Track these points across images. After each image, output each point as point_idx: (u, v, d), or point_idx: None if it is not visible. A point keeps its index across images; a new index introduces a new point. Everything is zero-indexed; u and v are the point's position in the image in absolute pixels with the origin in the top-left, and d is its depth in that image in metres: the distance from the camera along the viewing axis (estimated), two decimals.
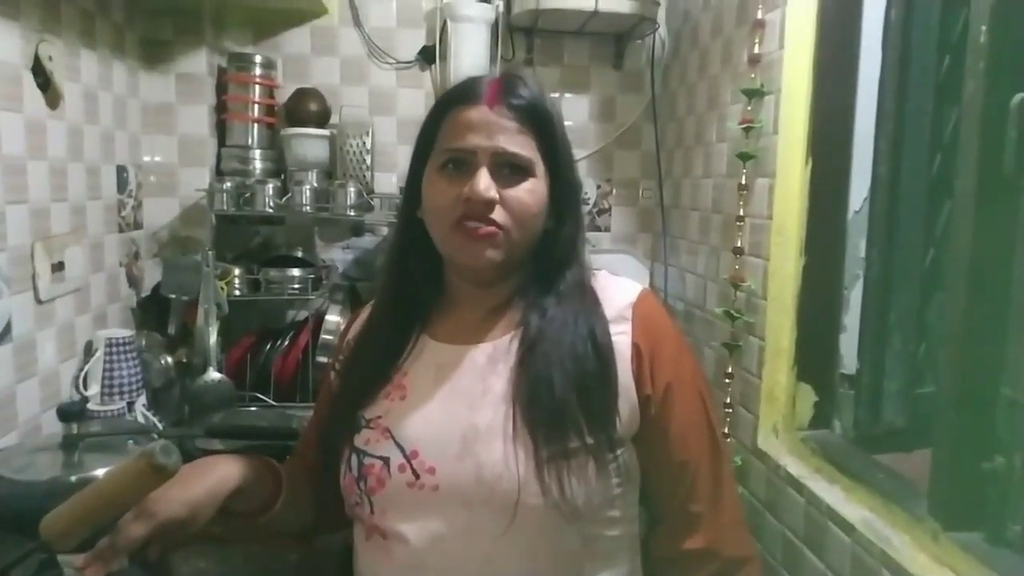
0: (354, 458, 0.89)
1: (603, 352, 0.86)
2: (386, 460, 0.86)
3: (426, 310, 0.96)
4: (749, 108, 1.48)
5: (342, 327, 1.90)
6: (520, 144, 0.86)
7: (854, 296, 1.36)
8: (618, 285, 0.94)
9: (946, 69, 1.23)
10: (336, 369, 1.04)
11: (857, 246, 1.36)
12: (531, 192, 0.87)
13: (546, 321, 0.88)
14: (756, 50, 1.46)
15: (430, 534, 0.84)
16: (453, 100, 0.90)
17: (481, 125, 0.86)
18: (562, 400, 0.83)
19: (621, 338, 0.88)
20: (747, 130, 1.47)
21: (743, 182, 1.50)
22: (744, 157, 1.48)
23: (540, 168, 0.88)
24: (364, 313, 1.05)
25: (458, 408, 0.86)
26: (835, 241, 1.36)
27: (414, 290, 0.96)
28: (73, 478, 1.07)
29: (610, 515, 0.88)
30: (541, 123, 0.88)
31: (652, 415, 0.88)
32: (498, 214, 0.85)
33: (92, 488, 0.76)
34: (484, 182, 0.84)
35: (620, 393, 0.86)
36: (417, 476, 0.84)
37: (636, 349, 0.88)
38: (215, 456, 0.90)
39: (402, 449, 0.86)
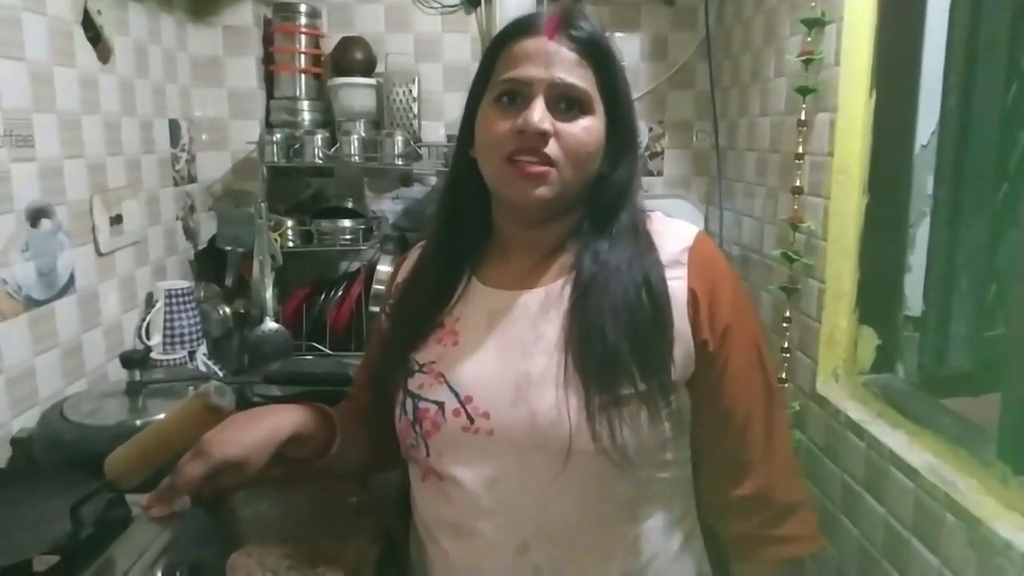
0: (409, 402, 0.90)
1: (657, 298, 0.84)
2: (441, 405, 0.87)
3: (476, 253, 0.95)
4: (809, 39, 1.41)
5: (402, 262, 1.91)
6: (579, 76, 0.84)
7: (920, 235, 1.30)
8: (673, 228, 0.91)
9: None
10: (386, 312, 1.03)
11: (924, 182, 1.29)
12: (588, 130, 0.84)
13: (598, 266, 0.86)
14: None
15: (485, 477, 0.85)
16: (511, 33, 0.88)
17: (539, 55, 0.83)
18: (614, 347, 0.81)
19: (677, 283, 0.86)
20: (807, 63, 1.40)
21: (803, 118, 1.43)
22: (804, 91, 1.41)
23: (598, 106, 0.86)
24: (412, 255, 1.04)
25: (511, 355, 0.86)
26: (900, 178, 1.30)
27: (464, 232, 0.94)
28: (138, 422, 1.10)
29: (663, 458, 0.87)
30: (602, 57, 0.85)
31: (708, 360, 0.86)
32: (552, 148, 0.83)
33: (151, 429, 0.78)
34: (538, 113, 0.81)
35: (675, 339, 0.85)
36: (472, 421, 0.85)
37: (692, 294, 0.86)
38: (271, 405, 0.92)
39: (456, 394, 0.86)
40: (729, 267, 0.91)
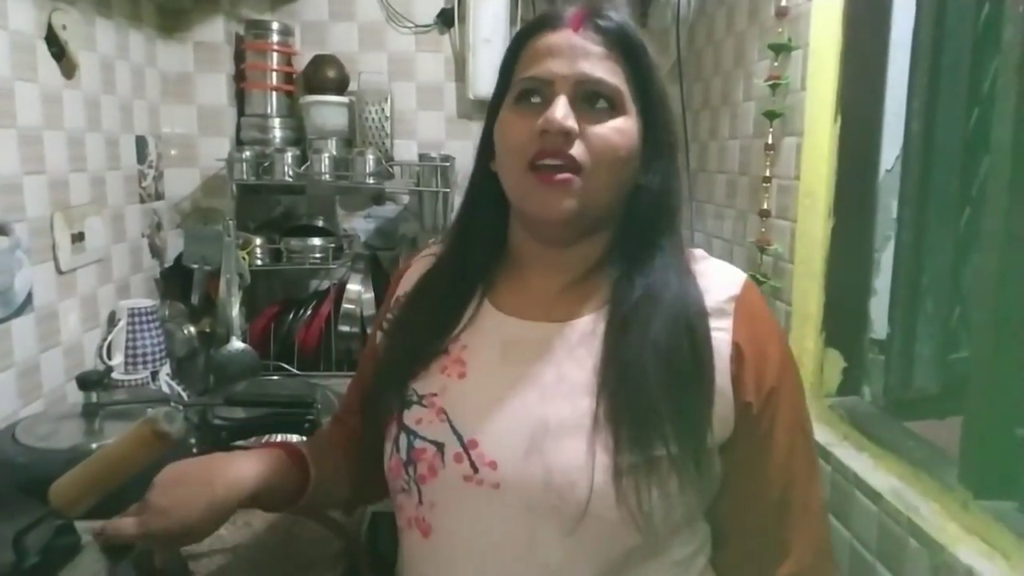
0: (403, 438, 0.78)
1: (701, 348, 0.73)
2: (440, 446, 0.75)
3: (489, 273, 0.84)
4: (776, 64, 1.42)
5: (363, 295, 1.90)
6: (608, 71, 0.75)
7: (885, 258, 1.31)
8: (719, 272, 0.80)
9: (985, 18, 1.17)
10: (383, 328, 0.90)
11: (889, 206, 1.30)
12: (619, 131, 0.75)
13: (641, 298, 0.75)
14: (784, 3, 1.40)
15: (484, 534, 0.74)
16: (531, 28, 0.79)
17: (563, 50, 0.75)
18: (654, 397, 0.71)
19: (720, 335, 0.75)
20: (774, 87, 1.42)
21: (770, 142, 1.44)
22: (771, 115, 1.42)
23: (631, 105, 0.76)
24: (416, 266, 0.91)
25: (527, 397, 0.75)
26: (865, 202, 1.31)
27: (477, 249, 0.85)
28: (93, 445, 1.08)
29: (686, 527, 0.77)
30: (634, 52, 0.76)
31: (749, 425, 0.75)
32: (578, 151, 0.73)
33: (98, 455, 0.76)
34: (562, 109, 0.72)
35: (715, 399, 0.74)
36: (476, 470, 0.73)
37: (737, 350, 0.74)
38: (233, 455, 0.81)
39: (459, 436, 0.75)
40: (775, 320, 0.81)
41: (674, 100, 2.08)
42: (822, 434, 1.29)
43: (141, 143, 1.76)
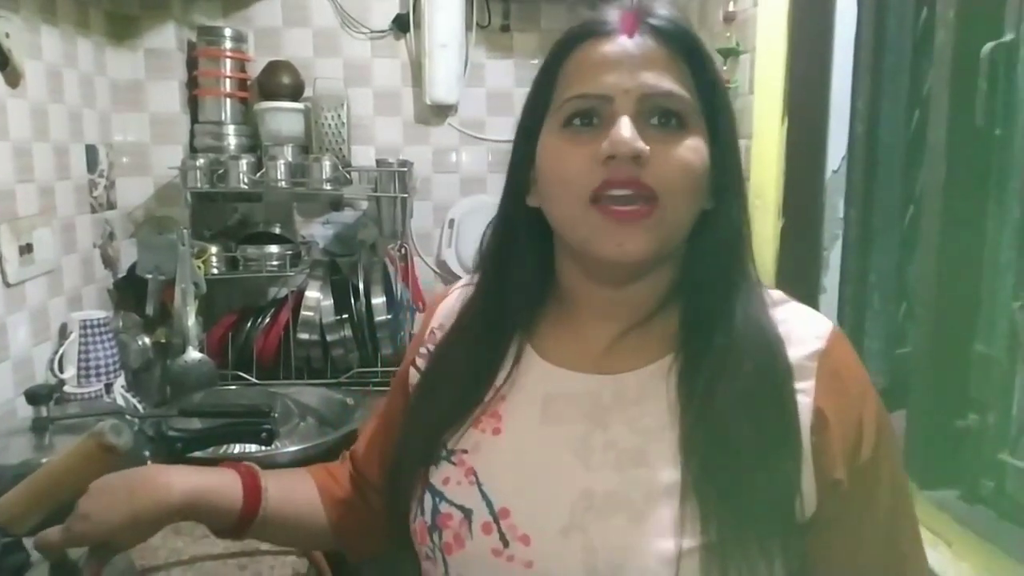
0: (428, 499, 0.68)
1: (790, 412, 0.62)
2: (468, 513, 0.66)
3: (531, 314, 0.73)
4: (725, 68, 1.45)
5: (322, 302, 1.89)
6: (675, 81, 0.63)
7: (833, 257, 1.35)
8: (802, 320, 0.67)
9: (924, 22, 1.21)
10: (416, 366, 0.79)
11: (836, 206, 1.34)
12: (694, 151, 0.63)
13: (721, 349, 0.64)
14: (731, 7, 1.43)
15: None
16: (574, 37, 0.67)
17: (620, 59, 0.63)
18: (748, 470, 0.60)
19: (801, 399, 0.63)
20: None
21: None
22: None
23: (699, 120, 0.65)
24: (453, 295, 0.81)
25: (569, 462, 0.64)
26: (813, 201, 1.35)
27: (517, 290, 0.73)
28: (43, 460, 1.05)
29: None
30: (698, 56, 0.65)
31: (839, 502, 0.63)
32: (651, 176, 0.61)
33: (44, 470, 0.75)
34: (628, 129, 0.61)
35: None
36: (506, 544, 0.64)
37: (820, 418, 0.62)
38: (164, 468, 0.76)
39: (490, 504, 0.65)
40: (868, 378, 0.67)
41: None
42: None
43: (91, 152, 1.73)
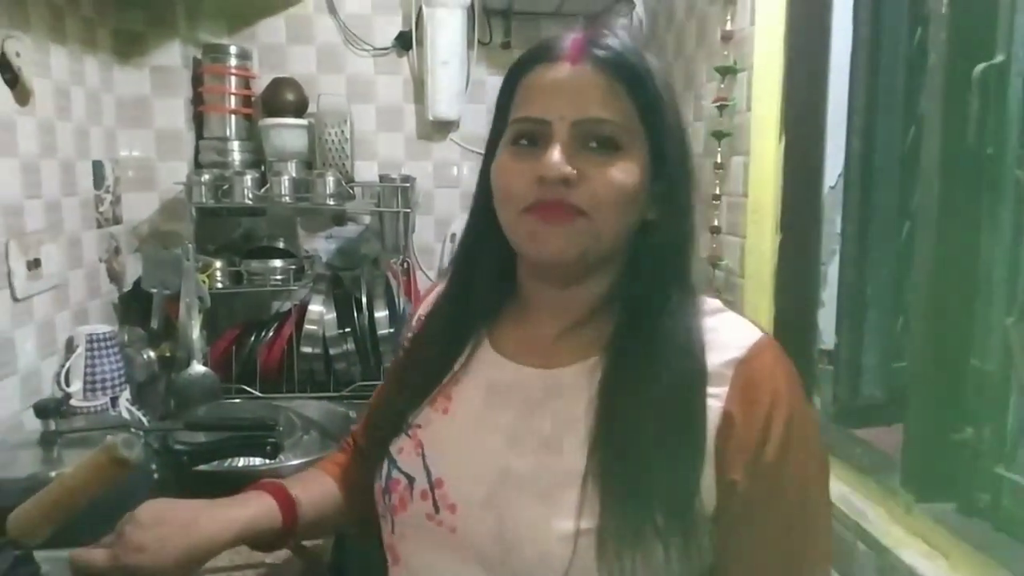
0: (385, 466, 0.77)
1: (696, 414, 0.67)
2: (411, 480, 0.74)
3: (496, 308, 0.80)
4: (723, 86, 1.47)
5: (325, 316, 1.91)
6: (611, 108, 0.68)
7: (831, 271, 1.36)
8: (730, 329, 0.71)
9: (917, 42, 1.23)
10: (403, 348, 0.90)
11: (833, 222, 1.36)
12: (624, 172, 0.68)
13: (641, 353, 0.69)
14: (729, 27, 1.45)
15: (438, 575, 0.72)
16: (526, 61, 0.73)
17: (560, 86, 0.69)
18: (649, 463, 0.65)
19: (712, 402, 0.67)
20: (721, 108, 1.47)
21: (719, 161, 1.49)
22: (719, 135, 1.47)
23: (639, 141, 0.70)
24: (437, 290, 0.89)
25: (497, 444, 0.71)
26: (811, 217, 1.36)
27: (480, 287, 0.80)
28: (52, 474, 1.06)
29: None
30: (638, 81, 0.69)
31: (734, 503, 0.67)
32: (579, 196, 0.67)
33: (57, 483, 0.76)
34: (557, 155, 0.67)
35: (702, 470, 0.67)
36: (437, 510, 0.71)
37: (727, 420, 0.66)
38: (216, 504, 0.81)
39: (428, 473, 0.73)
40: (792, 389, 0.69)
41: None
42: None
43: (98, 168, 1.75)
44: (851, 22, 1.30)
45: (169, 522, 0.76)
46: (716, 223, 1.51)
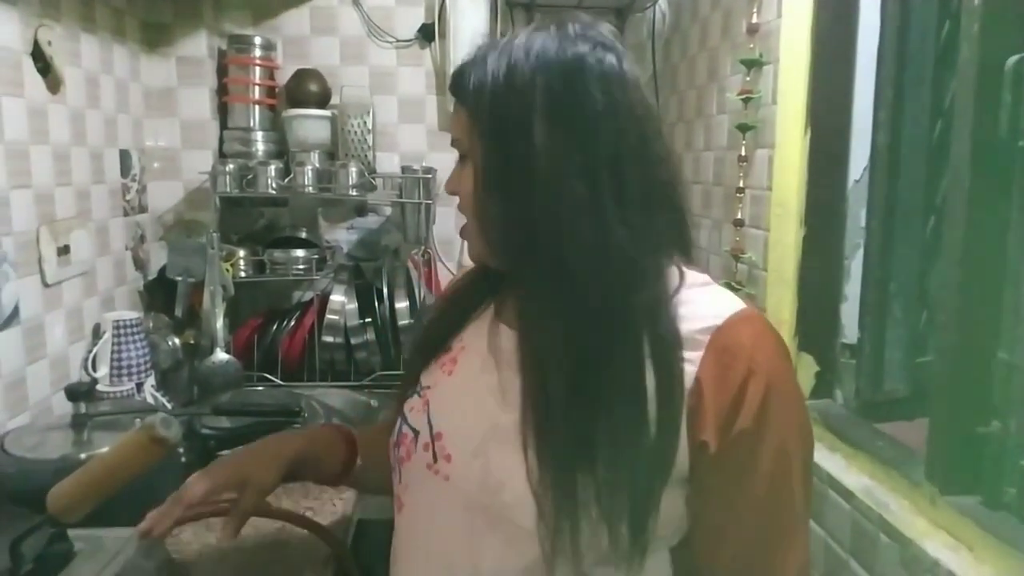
0: (398, 422, 0.86)
1: (664, 382, 0.70)
2: (416, 434, 0.82)
3: (499, 285, 0.86)
4: (748, 79, 1.47)
5: (346, 306, 1.93)
6: (455, 124, 0.78)
7: (855, 266, 1.36)
8: (709, 301, 0.74)
9: (946, 35, 1.22)
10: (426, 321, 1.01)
11: (857, 216, 1.35)
12: (464, 177, 0.77)
13: (521, 315, 0.76)
14: (755, 19, 1.45)
15: (433, 521, 0.79)
16: None
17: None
18: (589, 421, 0.69)
19: (686, 367, 0.70)
20: (746, 101, 1.46)
21: (743, 153, 1.49)
22: (743, 128, 1.47)
23: (475, 139, 0.75)
24: (461, 272, 1.00)
25: (490, 401, 0.77)
26: (835, 211, 1.36)
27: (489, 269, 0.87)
28: (82, 455, 1.09)
29: (628, 566, 0.72)
30: (465, 91, 0.75)
31: (708, 466, 0.70)
32: (461, 204, 0.79)
33: (95, 462, 0.78)
34: (448, 177, 0.81)
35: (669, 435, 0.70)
36: (435, 460, 0.78)
37: (698, 384, 0.69)
38: (284, 433, 1.00)
39: (431, 427, 0.80)
40: (774, 362, 0.71)
41: (636, 105, 2.12)
42: None
43: (125, 157, 1.77)
44: (879, 15, 1.29)
45: (245, 450, 0.93)
46: (739, 216, 1.51)
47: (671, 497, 0.71)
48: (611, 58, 0.73)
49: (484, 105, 0.73)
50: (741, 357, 0.69)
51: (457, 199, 0.80)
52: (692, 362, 0.70)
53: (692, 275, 0.76)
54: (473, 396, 0.79)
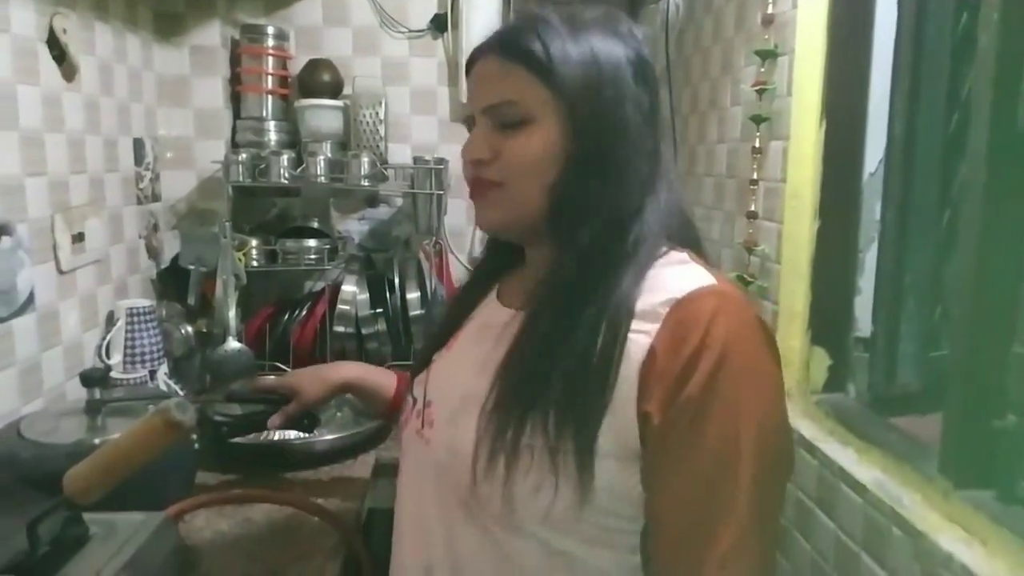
0: (408, 394, 0.94)
1: (608, 349, 0.71)
2: (415, 402, 0.89)
3: (506, 268, 0.92)
4: (763, 70, 1.46)
5: (358, 296, 1.93)
6: (509, 89, 0.77)
7: (869, 258, 1.35)
8: (677, 277, 0.74)
9: (964, 25, 1.21)
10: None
11: (872, 208, 1.34)
12: (529, 139, 0.76)
13: (546, 295, 0.77)
14: (770, 10, 1.44)
15: (416, 482, 0.85)
16: (468, 62, 0.84)
17: (476, 80, 0.81)
18: (537, 389, 0.72)
19: (639, 337, 0.71)
20: (761, 92, 1.46)
21: (757, 145, 1.48)
22: (758, 120, 1.46)
23: (549, 110, 0.76)
24: None
25: (469, 371, 0.81)
26: (850, 203, 1.35)
27: (497, 252, 0.94)
28: (96, 440, 1.10)
29: (589, 535, 0.74)
30: (530, 57, 0.75)
31: (655, 439, 0.70)
32: (495, 171, 0.78)
33: (111, 445, 0.78)
34: (467, 145, 0.81)
35: (613, 404, 0.70)
36: (422, 426, 0.85)
37: (651, 354, 0.70)
38: (343, 361, 1.31)
39: (425, 396, 0.87)
40: (733, 337, 0.70)
41: (663, 104, 2.12)
42: (808, 430, 1.32)
43: (139, 145, 1.78)
44: (895, 5, 1.28)
45: (305, 369, 1.22)
46: (753, 208, 1.50)
47: (625, 473, 0.72)
48: (646, 50, 0.81)
49: (552, 72, 0.75)
50: (695, 330, 0.69)
51: (467, 176, 0.83)
52: (648, 333, 0.71)
53: (672, 254, 0.78)
54: (460, 368, 0.86)
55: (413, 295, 1.93)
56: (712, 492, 0.69)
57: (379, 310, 1.94)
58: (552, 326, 0.74)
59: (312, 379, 1.10)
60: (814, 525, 1.27)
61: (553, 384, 0.71)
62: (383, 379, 1.13)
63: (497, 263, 0.94)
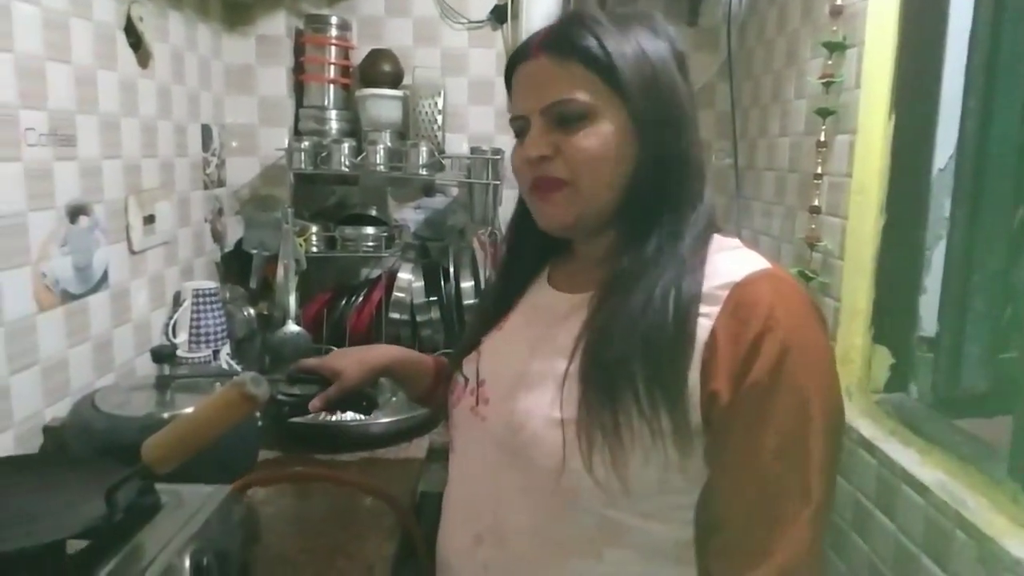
0: (457, 374, 0.95)
1: (681, 330, 0.73)
2: (467, 381, 0.91)
3: (554, 254, 0.94)
4: (830, 62, 1.43)
5: (413, 284, 1.96)
6: (570, 87, 0.77)
7: (936, 256, 1.32)
8: (732, 260, 0.78)
9: None
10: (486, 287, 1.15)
11: (941, 205, 1.31)
12: (592, 134, 0.78)
13: (619, 278, 0.78)
14: (839, 2, 1.41)
15: (471, 458, 0.88)
16: (510, 63, 0.85)
17: (528, 82, 0.81)
18: (621, 364, 0.73)
19: (703, 321, 0.73)
20: (827, 85, 1.43)
21: (822, 139, 1.46)
22: (823, 113, 1.44)
23: (609, 107, 0.78)
24: None
25: (522, 350, 0.85)
26: (918, 199, 1.32)
27: (534, 237, 0.91)
28: (165, 415, 1.14)
29: (644, 508, 0.76)
30: (587, 53, 0.77)
31: (721, 418, 0.72)
32: (559, 168, 0.79)
33: (189, 416, 0.81)
34: (528, 144, 0.80)
35: (688, 384, 0.73)
36: (477, 403, 0.88)
37: (713, 336, 0.72)
38: (384, 344, 1.33)
39: (478, 375, 0.90)
40: (795, 321, 0.73)
41: (722, 98, 2.10)
42: (868, 429, 1.30)
43: (206, 132, 1.83)
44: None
45: (348, 350, 1.18)
46: (816, 203, 1.47)
47: (688, 445, 0.74)
48: (680, 45, 0.85)
49: (611, 67, 0.77)
50: (757, 313, 0.72)
51: (525, 179, 0.83)
52: (709, 316, 0.74)
53: (724, 239, 0.82)
54: (513, 347, 0.88)
55: (467, 284, 1.94)
56: (784, 470, 0.72)
57: (434, 298, 1.96)
58: (632, 308, 0.75)
59: (352, 362, 1.09)
60: (872, 525, 1.24)
61: (630, 361, 0.73)
62: (421, 363, 1.13)
63: (543, 249, 0.94)
